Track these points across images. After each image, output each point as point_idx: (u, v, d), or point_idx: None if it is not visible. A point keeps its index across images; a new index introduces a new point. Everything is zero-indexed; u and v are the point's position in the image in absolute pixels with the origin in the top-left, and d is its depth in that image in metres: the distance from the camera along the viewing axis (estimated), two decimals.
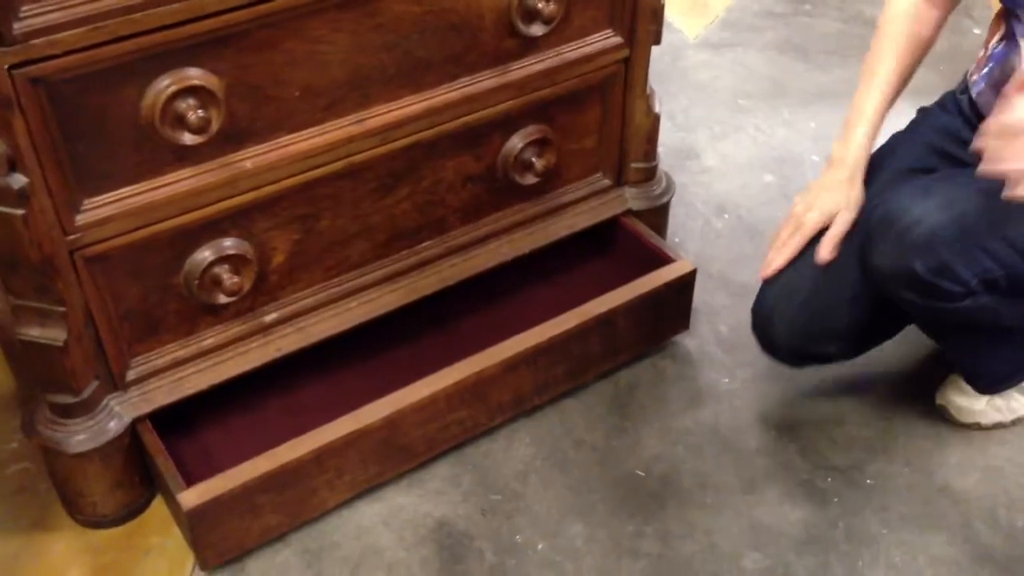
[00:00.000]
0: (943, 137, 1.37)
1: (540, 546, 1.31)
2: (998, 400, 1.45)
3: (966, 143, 1.23)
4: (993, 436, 1.45)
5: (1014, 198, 1.02)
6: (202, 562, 1.26)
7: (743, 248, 1.76)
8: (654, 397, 1.50)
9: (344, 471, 1.31)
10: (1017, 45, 1.27)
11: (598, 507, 1.35)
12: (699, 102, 2.10)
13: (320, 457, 1.27)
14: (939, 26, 1.37)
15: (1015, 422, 1.46)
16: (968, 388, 1.44)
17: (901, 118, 1.44)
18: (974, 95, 1.35)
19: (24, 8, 0.97)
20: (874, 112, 1.33)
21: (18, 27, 0.98)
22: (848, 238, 1.32)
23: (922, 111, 1.46)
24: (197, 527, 1.21)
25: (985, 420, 1.46)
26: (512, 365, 1.38)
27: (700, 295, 1.63)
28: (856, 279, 1.31)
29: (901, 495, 1.37)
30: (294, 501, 1.29)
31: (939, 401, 1.48)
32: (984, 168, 1.04)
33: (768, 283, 1.36)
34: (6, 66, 0.98)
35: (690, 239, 1.77)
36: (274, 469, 1.23)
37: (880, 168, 1.37)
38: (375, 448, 1.32)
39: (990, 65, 1.32)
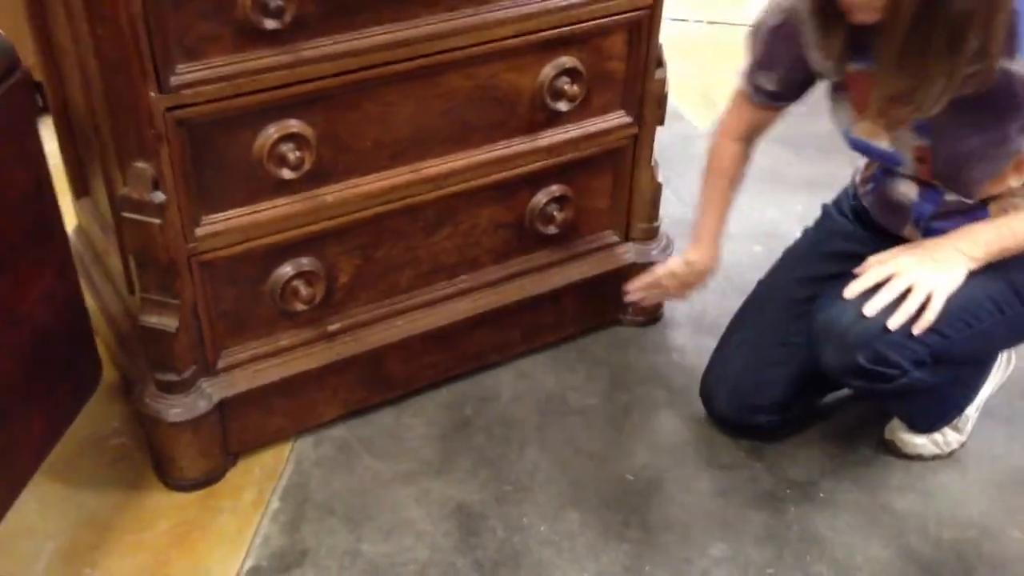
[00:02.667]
0: (840, 239, 1.72)
1: (542, 528, 1.58)
2: (937, 436, 1.72)
3: (859, 240, 1.65)
4: (931, 465, 1.71)
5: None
6: (228, 446, 1.61)
7: (732, 304, 2.04)
8: (647, 421, 1.78)
9: (339, 389, 1.66)
10: (892, 173, 1.59)
11: (592, 500, 1.62)
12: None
13: (321, 373, 1.62)
14: (744, 157, 1.78)
15: (951, 454, 1.72)
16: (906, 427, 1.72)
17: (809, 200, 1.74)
18: (865, 204, 1.70)
19: (180, 66, 1.31)
20: (710, 232, 1.74)
21: (174, 80, 1.31)
22: (773, 327, 1.68)
23: (824, 208, 1.82)
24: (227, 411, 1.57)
25: (926, 452, 1.72)
26: (476, 321, 1.74)
27: (692, 341, 1.93)
28: (782, 360, 1.65)
29: (848, 507, 1.63)
30: (298, 408, 1.65)
31: (887, 436, 1.75)
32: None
33: (710, 365, 1.74)
34: (163, 109, 1.31)
35: None
36: (286, 376, 1.60)
37: (785, 269, 1.79)
38: (364, 375, 1.68)
39: (873, 185, 1.67)
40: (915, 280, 1.46)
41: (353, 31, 1.40)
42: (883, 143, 1.54)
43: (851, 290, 1.49)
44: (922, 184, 1.56)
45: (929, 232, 1.57)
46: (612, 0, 1.59)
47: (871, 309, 1.46)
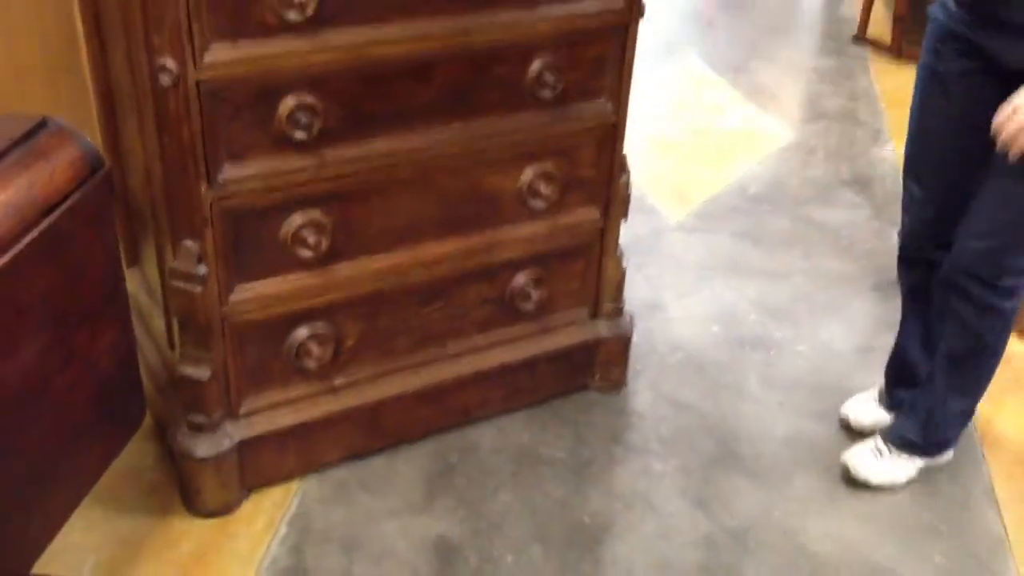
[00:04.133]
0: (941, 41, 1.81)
1: (510, 559, 1.85)
2: (895, 465, 2.00)
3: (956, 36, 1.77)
4: (848, 516, 1.99)
5: None
6: (244, 480, 1.88)
7: (688, 378, 2.34)
8: (605, 472, 2.06)
9: (342, 436, 1.95)
10: None
11: (554, 538, 1.90)
12: (671, 270, 2.73)
13: (327, 421, 1.92)
14: None
15: (894, 487, 2.01)
16: (869, 454, 2.02)
17: None
18: None
19: (226, 166, 1.63)
20: None
21: (221, 178, 1.63)
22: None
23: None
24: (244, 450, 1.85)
25: (874, 480, 2.02)
26: (461, 382, 2.03)
27: (650, 407, 2.22)
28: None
29: (774, 550, 1.90)
30: (306, 451, 1.92)
31: (843, 457, 2.04)
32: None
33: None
34: (210, 200, 1.64)
35: (649, 367, 2.36)
36: (297, 423, 1.89)
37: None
38: (363, 424, 1.96)
39: None
40: None
41: (366, 141, 1.73)
42: None
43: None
44: None
45: None
46: (583, 120, 1.92)
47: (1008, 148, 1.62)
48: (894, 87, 3.81)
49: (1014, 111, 1.63)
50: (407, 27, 1.67)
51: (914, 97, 1.93)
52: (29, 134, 1.41)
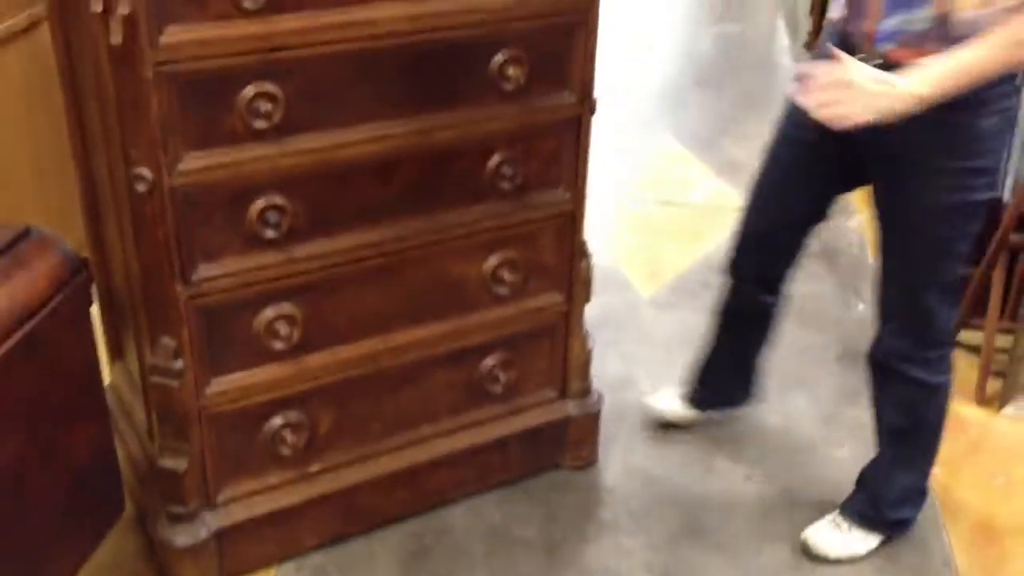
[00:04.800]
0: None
1: None
2: (852, 538, 2.06)
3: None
4: None
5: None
6: (223, 568, 1.92)
7: (658, 452, 2.41)
8: (576, 550, 2.11)
9: (318, 521, 2.00)
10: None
11: None
12: (643, 345, 2.80)
13: (304, 507, 1.97)
14: None
15: (852, 559, 2.07)
16: (828, 527, 2.08)
17: None
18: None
19: (200, 266, 1.72)
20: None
21: (195, 277, 1.72)
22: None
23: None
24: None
25: (833, 554, 2.07)
26: (434, 464, 2.10)
27: (620, 484, 2.28)
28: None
29: None
30: (284, 537, 1.96)
31: (803, 534, 2.10)
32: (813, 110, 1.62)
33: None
34: (185, 297, 1.72)
35: (620, 442, 2.42)
36: (274, 510, 1.93)
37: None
38: (340, 509, 2.01)
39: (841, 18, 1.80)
40: (852, 81, 1.60)
41: (333, 237, 1.82)
42: None
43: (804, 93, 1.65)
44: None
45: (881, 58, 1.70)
46: (542, 208, 2.02)
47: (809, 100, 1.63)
48: None
49: (842, 84, 1.61)
50: (369, 129, 1.77)
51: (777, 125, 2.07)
52: (12, 243, 1.50)
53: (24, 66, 2.35)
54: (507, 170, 1.93)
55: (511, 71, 1.85)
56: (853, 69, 1.62)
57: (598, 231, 3.31)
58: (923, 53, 1.65)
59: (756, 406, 2.48)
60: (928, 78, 1.60)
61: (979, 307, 2.64)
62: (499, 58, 1.83)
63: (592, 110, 1.99)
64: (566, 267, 2.12)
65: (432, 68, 1.79)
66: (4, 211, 2.33)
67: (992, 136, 1.73)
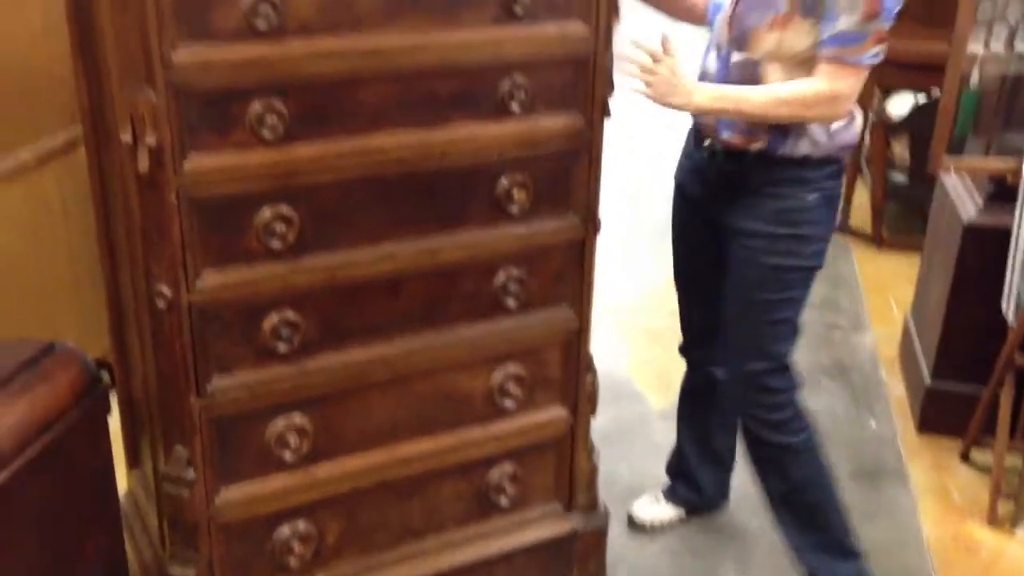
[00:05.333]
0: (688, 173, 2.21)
1: None
2: None
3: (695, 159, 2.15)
4: None
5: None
6: None
7: (666, 566, 2.41)
8: None
9: None
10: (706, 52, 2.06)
11: None
12: (653, 457, 2.82)
13: None
14: None
15: None
16: None
17: None
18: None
19: (215, 378, 1.80)
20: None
21: (209, 388, 1.80)
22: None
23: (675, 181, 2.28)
24: None
25: None
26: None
27: None
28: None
29: None
30: None
31: None
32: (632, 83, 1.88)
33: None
34: (199, 408, 1.79)
35: (628, 555, 2.43)
36: None
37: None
38: None
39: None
40: (653, 80, 1.89)
41: (343, 351, 1.90)
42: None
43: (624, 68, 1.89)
44: (719, 51, 2.01)
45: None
46: (547, 325, 2.09)
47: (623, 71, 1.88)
48: (875, 274, 3.99)
49: (668, 72, 1.87)
50: (378, 249, 1.86)
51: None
52: (37, 357, 1.59)
53: (62, 184, 2.49)
54: (513, 288, 2.01)
55: (516, 195, 1.94)
56: (669, 61, 1.88)
57: (609, 343, 3.38)
58: (753, 140, 1.98)
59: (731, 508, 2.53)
60: (707, 94, 1.92)
61: (988, 427, 2.65)
62: (505, 183, 1.92)
63: (596, 231, 2.07)
64: (572, 381, 2.17)
65: (440, 192, 1.88)
66: (41, 319, 2.44)
67: (815, 209, 2.00)
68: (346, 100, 1.75)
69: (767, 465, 2.19)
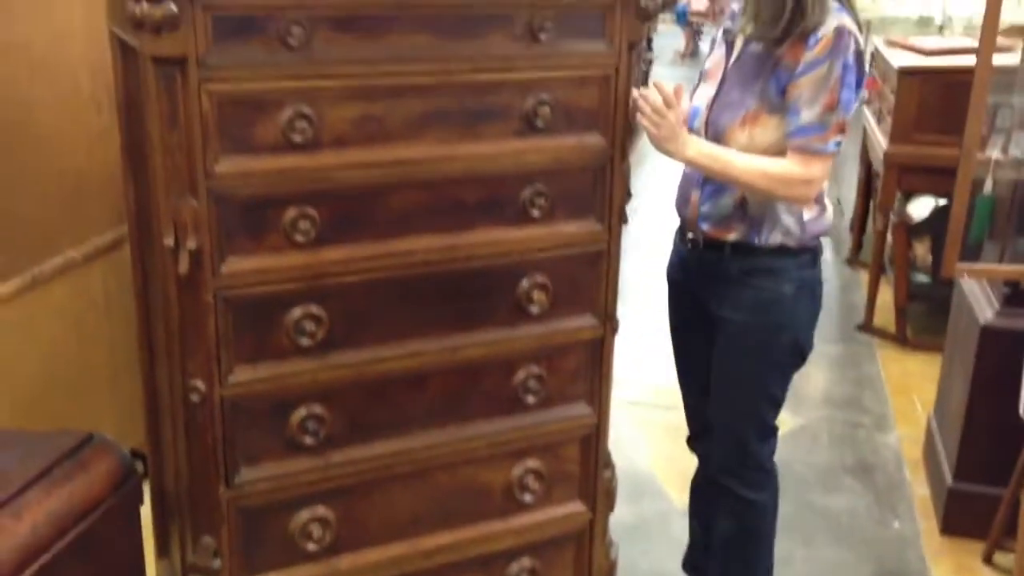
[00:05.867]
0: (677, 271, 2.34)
1: None
2: None
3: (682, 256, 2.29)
4: None
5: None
6: None
7: None
8: None
9: None
10: None
11: None
12: (675, 554, 2.83)
13: None
14: None
15: None
16: None
17: None
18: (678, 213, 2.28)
19: (243, 469, 1.87)
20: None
21: (237, 479, 1.87)
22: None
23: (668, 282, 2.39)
24: None
25: None
26: None
27: None
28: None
29: None
30: None
31: None
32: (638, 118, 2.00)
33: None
34: (227, 499, 1.86)
35: None
36: None
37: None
38: None
39: (678, 187, 2.27)
40: (659, 123, 1.99)
41: (368, 444, 1.97)
42: (698, 102, 2.15)
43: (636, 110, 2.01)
44: None
45: (703, 185, 2.14)
46: (566, 421, 2.15)
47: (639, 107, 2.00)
48: (900, 374, 4.01)
49: (661, 113, 1.98)
50: (403, 347, 1.94)
51: None
52: (76, 448, 1.67)
53: (107, 280, 2.62)
54: (532, 385, 2.08)
55: (536, 296, 2.03)
56: (677, 111, 2.00)
57: (631, 438, 3.42)
58: (730, 231, 2.12)
59: None
60: (700, 149, 2.04)
61: (1011, 529, 2.64)
62: (525, 284, 2.01)
63: (614, 331, 2.14)
64: (590, 477, 2.22)
65: (463, 292, 1.97)
66: (81, 409, 2.54)
67: (793, 299, 2.12)
68: (376, 207, 1.86)
69: (726, 511, 2.32)
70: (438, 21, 1.80)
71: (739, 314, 2.15)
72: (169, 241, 1.71)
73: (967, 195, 2.48)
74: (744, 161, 2.03)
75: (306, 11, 1.68)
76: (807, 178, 2.02)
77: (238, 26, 1.64)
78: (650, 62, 8.40)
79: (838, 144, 2.02)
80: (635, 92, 1.99)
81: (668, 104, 1.99)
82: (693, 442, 2.48)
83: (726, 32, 2.18)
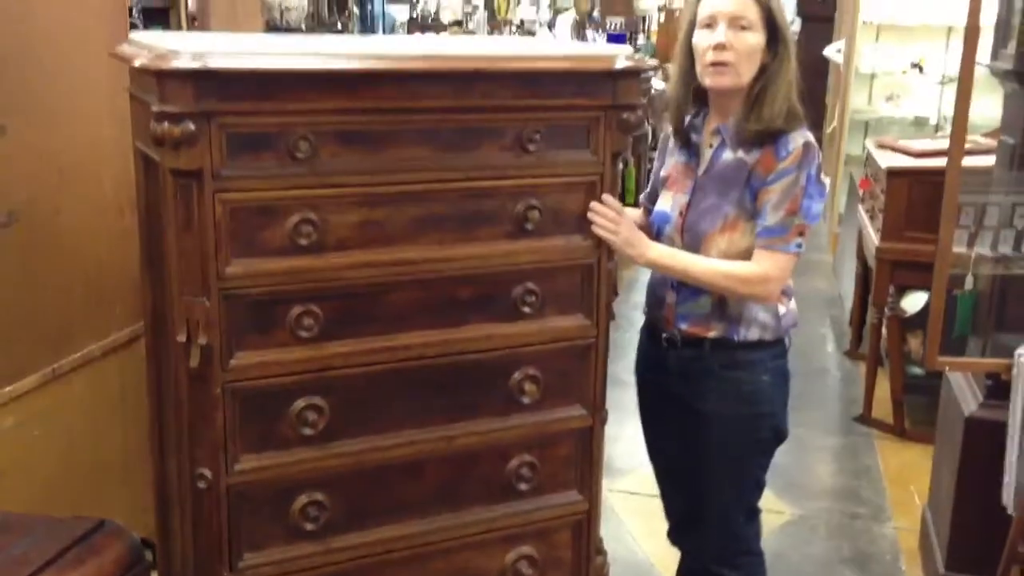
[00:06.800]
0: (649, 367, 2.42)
1: None
2: None
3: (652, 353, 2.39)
4: None
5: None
6: None
7: None
8: None
9: None
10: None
11: None
12: None
13: None
14: None
15: None
16: None
17: None
18: (647, 314, 2.40)
19: (246, 554, 1.96)
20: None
21: (241, 565, 1.96)
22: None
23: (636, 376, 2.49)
24: None
25: None
26: None
27: None
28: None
29: None
30: None
31: None
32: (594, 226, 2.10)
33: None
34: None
35: None
36: None
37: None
38: None
39: (649, 287, 2.39)
40: (617, 230, 2.10)
41: (366, 530, 2.06)
42: (665, 208, 2.25)
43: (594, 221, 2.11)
44: None
45: (679, 287, 2.23)
46: (558, 508, 2.23)
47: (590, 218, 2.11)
48: (898, 465, 4.06)
49: (619, 219, 2.10)
50: (401, 436, 2.05)
51: None
52: (89, 533, 1.78)
53: (123, 374, 2.74)
54: (525, 473, 2.18)
55: (528, 387, 2.14)
56: (628, 218, 2.15)
57: (633, 528, 3.47)
58: (709, 329, 2.22)
59: None
60: (661, 252, 2.18)
61: None
62: (517, 376, 2.13)
63: (603, 422, 2.25)
64: (582, 563, 2.29)
65: (457, 384, 2.09)
66: (94, 497, 2.64)
67: (771, 388, 2.25)
68: (376, 304, 1.99)
69: None
70: (435, 135, 1.95)
71: (722, 406, 2.25)
72: (182, 337, 1.84)
73: (944, 292, 2.60)
74: (704, 265, 2.16)
75: (313, 127, 1.84)
76: (765, 277, 2.13)
77: (250, 141, 1.80)
78: None
79: (799, 246, 2.14)
80: (600, 202, 2.11)
81: (620, 214, 2.12)
82: (674, 535, 2.54)
83: (684, 138, 2.29)
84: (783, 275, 2.17)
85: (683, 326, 2.26)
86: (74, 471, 2.61)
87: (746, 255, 2.17)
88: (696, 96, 2.25)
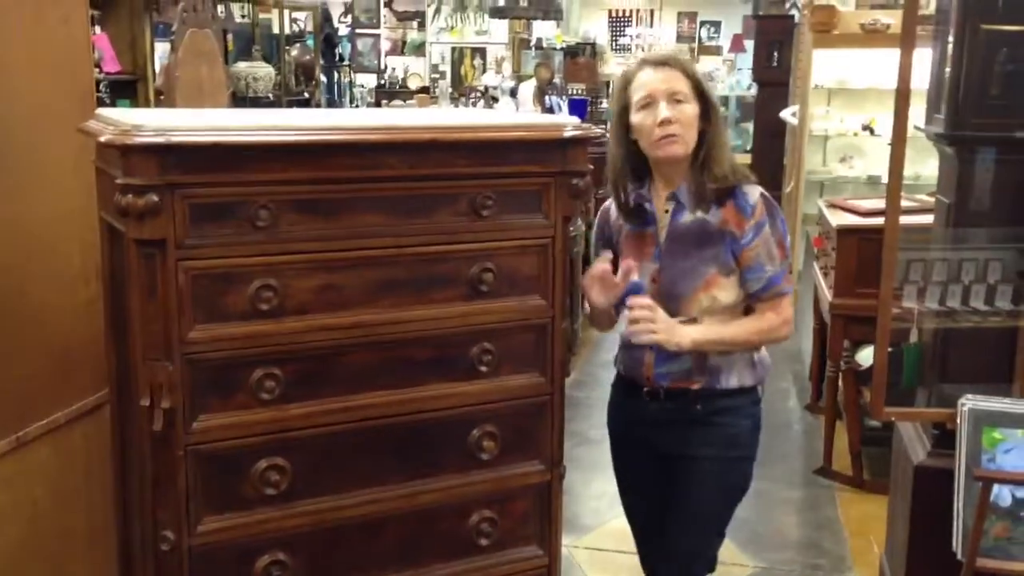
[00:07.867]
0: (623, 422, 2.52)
1: None
2: None
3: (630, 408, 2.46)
4: None
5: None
6: None
7: None
8: None
9: None
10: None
11: None
12: None
13: None
14: None
15: None
16: None
17: None
18: (621, 371, 2.48)
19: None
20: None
21: None
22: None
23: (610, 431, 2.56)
24: None
25: None
26: None
27: None
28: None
29: None
30: None
31: None
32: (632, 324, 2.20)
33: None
34: None
35: None
36: None
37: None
38: None
39: (621, 349, 2.45)
40: (657, 328, 2.19)
41: None
42: (635, 277, 2.25)
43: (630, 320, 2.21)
44: None
45: (659, 350, 2.27)
46: (520, 562, 2.28)
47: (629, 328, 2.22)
48: (858, 516, 4.12)
49: (654, 321, 2.19)
50: (362, 494, 2.10)
51: None
52: None
53: (87, 441, 2.77)
54: (485, 528, 2.23)
55: (486, 444, 2.20)
56: (661, 313, 2.22)
57: None
58: (693, 383, 2.31)
59: None
60: (697, 334, 2.25)
61: None
62: (476, 433, 2.19)
63: (561, 477, 2.31)
64: None
65: (417, 442, 2.15)
66: (61, 565, 2.65)
67: (750, 433, 2.37)
68: (335, 366, 2.05)
69: None
70: (390, 202, 2.04)
71: (709, 450, 2.33)
72: (145, 401, 1.89)
73: (886, 345, 2.70)
74: (734, 330, 2.29)
75: (273, 197, 1.92)
76: (786, 320, 2.30)
77: (212, 211, 1.88)
78: None
79: (791, 285, 2.33)
80: (630, 303, 2.22)
81: (654, 311, 2.20)
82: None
83: (630, 210, 2.35)
84: (792, 313, 2.34)
85: (665, 383, 2.34)
86: (39, 538, 2.62)
87: (731, 310, 2.29)
88: (634, 172, 2.36)
